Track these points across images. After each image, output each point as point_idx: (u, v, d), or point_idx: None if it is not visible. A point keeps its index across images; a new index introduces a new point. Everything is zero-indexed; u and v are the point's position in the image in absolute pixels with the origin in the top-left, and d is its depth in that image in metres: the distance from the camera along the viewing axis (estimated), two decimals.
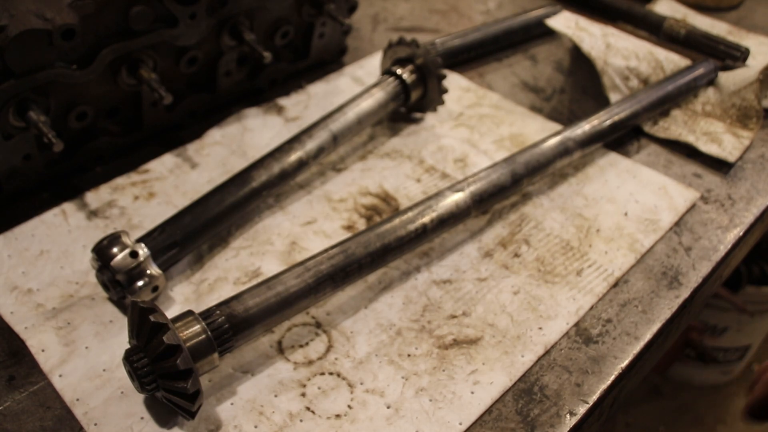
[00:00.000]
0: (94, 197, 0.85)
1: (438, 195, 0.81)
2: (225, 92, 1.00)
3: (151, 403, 0.66)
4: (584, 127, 0.94)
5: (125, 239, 0.72)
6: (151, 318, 0.60)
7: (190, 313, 0.65)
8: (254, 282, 0.77)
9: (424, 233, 0.79)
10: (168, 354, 0.60)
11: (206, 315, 0.65)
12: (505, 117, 1.06)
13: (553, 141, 0.91)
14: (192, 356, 0.61)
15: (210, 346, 0.63)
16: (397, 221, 0.78)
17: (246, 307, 0.66)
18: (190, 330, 0.63)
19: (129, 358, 0.62)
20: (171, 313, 0.75)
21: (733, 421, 2.08)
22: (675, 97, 1.06)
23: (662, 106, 1.05)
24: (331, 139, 0.89)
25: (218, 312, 0.65)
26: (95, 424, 0.64)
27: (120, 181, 0.88)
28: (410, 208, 0.79)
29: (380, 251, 0.75)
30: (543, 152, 0.89)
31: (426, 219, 0.79)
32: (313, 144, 0.88)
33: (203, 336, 0.63)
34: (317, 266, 0.71)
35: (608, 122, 0.97)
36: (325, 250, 0.73)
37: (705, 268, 0.85)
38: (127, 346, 0.67)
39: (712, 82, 1.12)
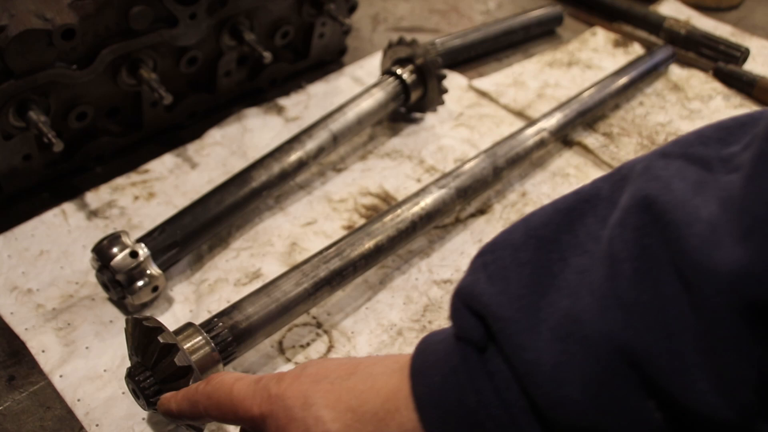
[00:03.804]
0: (94, 197, 0.85)
1: (424, 191, 0.81)
2: (225, 92, 1.00)
3: None
4: (557, 116, 0.97)
5: (125, 239, 0.72)
6: (160, 339, 0.59)
7: (190, 325, 0.64)
8: (255, 283, 0.77)
9: (413, 230, 0.79)
10: (179, 375, 0.59)
11: (208, 327, 0.64)
12: (505, 117, 1.06)
13: (529, 131, 0.93)
14: (199, 371, 0.61)
15: (215, 359, 0.63)
16: (387, 219, 0.78)
17: (247, 316, 0.66)
18: (195, 345, 0.62)
19: (135, 377, 0.60)
20: (172, 312, 0.75)
21: None
22: (638, 81, 1.10)
23: (626, 91, 1.08)
24: (331, 139, 0.89)
25: (221, 324, 0.64)
26: (96, 425, 0.64)
27: (120, 181, 0.88)
28: (398, 205, 0.79)
29: (373, 251, 0.75)
30: (520, 142, 0.91)
31: (415, 217, 0.79)
32: (313, 144, 0.88)
33: (208, 349, 0.62)
34: (314, 270, 0.71)
35: (578, 110, 0.99)
36: (320, 252, 0.73)
37: None
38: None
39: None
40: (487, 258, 0.47)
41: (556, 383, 0.41)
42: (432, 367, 0.47)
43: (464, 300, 0.46)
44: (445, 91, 1.00)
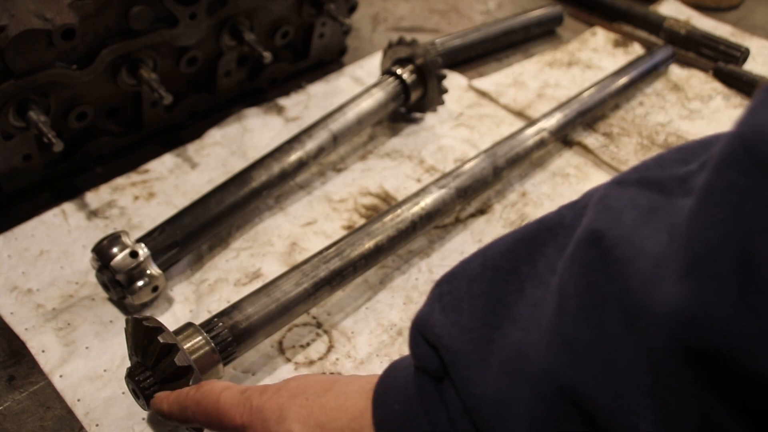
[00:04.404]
0: (94, 197, 0.85)
1: (424, 191, 0.81)
2: (225, 92, 1.00)
3: None
4: (557, 116, 0.97)
5: (125, 239, 0.72)
6: (160, 339, 0.59)
7: (190, 325, 0.64)
8: (255, 283, 0.77)
9: (413, 230, 0.79)
10: (179, 375, 0.59)
11: (208, 327, 0.64)
12: (505, 117, 1.06)
13: (529, 131, 0.93)
14: (199, 371, 0.61)
15: (215, 359, 0.63)
16: (387, 219, 0.77)
17: (247, 316, 0.66)
18: (195, 345, 0.62)
19: (135, 377, 0.60)
20: (172, 312, 0.75)
21: None
22: (638, 81, 1.10)
23: (626, 91, 1.08)
24: (331, 139, 0.89)
25: (221, 324, 0.64)
26: (96, 425, 0.64)
27: (120, 181, 0.88)
28: (398, 205, 0.79)
29: (373, 251, 0.75)
30: (520, 142, 0.91)
31: (415, 217, 0.79)
32: (313, 144, 0.88)
33: (208, 349, 0.62)
34: (314, 270, 0.71)
35: (578, 110, 0.99)
36: (320, 252, 0.73)
37: None
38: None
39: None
40: (443, 288, 0.47)
41: (502, 418, 0.41)
42: (393, 393, 0.48)
43: (420, 330, 0.47)
44: (445, 91, 1.00)
